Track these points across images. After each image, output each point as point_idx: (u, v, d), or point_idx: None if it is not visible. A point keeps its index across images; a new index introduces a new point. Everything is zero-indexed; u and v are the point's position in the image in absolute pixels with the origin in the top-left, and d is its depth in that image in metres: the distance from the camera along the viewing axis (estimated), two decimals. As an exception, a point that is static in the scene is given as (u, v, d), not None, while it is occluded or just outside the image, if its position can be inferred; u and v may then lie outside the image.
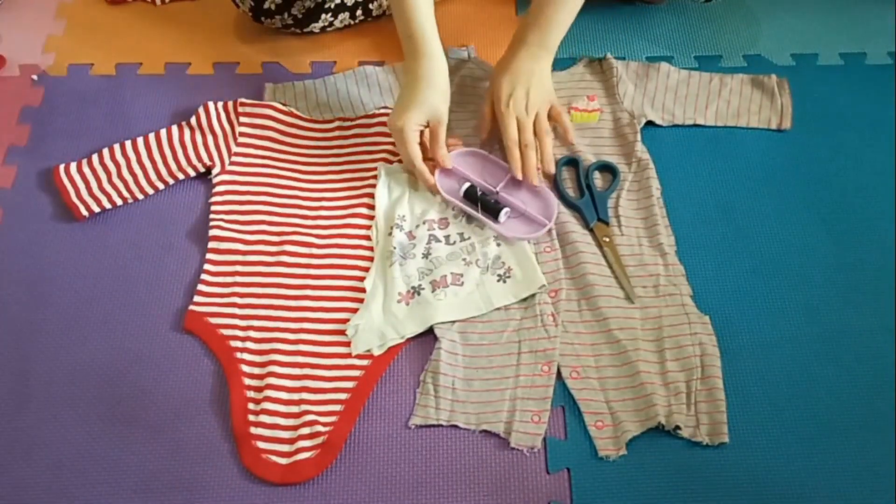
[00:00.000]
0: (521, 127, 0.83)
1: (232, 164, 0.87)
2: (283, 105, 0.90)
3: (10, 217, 0.86)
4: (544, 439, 0.72)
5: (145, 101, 0.94)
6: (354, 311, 0.78)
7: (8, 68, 0.98)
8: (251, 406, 0.73)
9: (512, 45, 0.87)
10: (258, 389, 0.74)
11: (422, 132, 0.82)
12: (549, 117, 0.86)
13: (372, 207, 0.84)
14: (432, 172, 0.83)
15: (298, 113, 0.91)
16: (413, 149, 0.80)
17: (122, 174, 0.85)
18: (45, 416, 0.74)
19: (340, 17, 0.96)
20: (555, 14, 0.83)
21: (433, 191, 0.83)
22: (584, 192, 0.85)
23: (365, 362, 0.75)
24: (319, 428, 0.71)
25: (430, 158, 0.83)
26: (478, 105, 0.90)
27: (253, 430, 0.71)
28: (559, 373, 0.74)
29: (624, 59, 0.96)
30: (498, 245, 0.81)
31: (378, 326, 0.77)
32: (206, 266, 0.81)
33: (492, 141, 0.89)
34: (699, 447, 0.71)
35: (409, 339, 0.77)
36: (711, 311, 0.77)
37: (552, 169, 0.85)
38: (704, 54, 0.98)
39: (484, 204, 0.82)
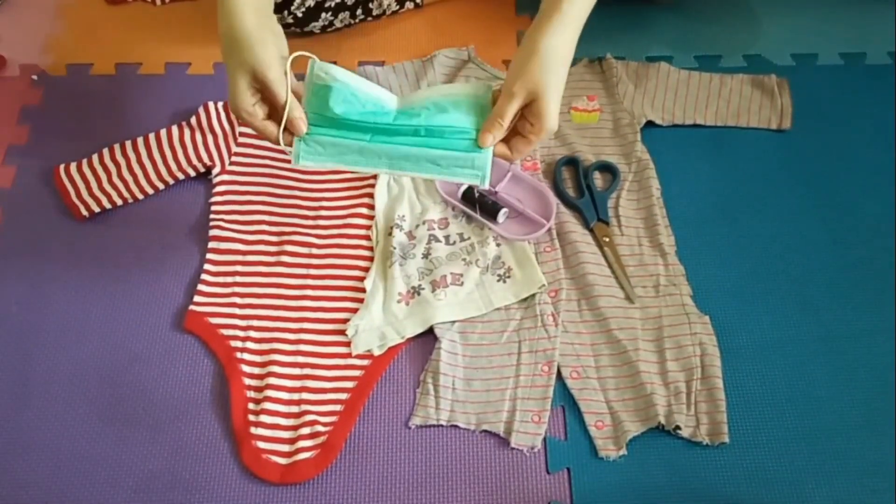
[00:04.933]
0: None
1: (232, 164, 0.87)
2: (283, 105, 0.90)
3: (10, 217, 0.86)
4: (544, 439, 0.72)
5: (145, 101, 0.94)
6: (354, 311, 0.78)
7: (8, 68, 0.98)
8: (251, 406, 0.73)
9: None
10: (258, 389, 0.74)
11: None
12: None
13: (372, 207, 0.84)
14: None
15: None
16: (261, 127, 0.64)
17: (122, 174, 0.85)
18: (45, 416, 0.74)
19: (341, 16, 0.96)
20: None
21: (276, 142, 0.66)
22: (584, 192, 0.85)
23: (365, 362, 0.75)
24: (319, 428, 0.71)
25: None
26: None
27: (253, 429, 0.71)
28: (559, 373, 0.74)
29: (624, 59, 0.96)
30: (498, 245, 0.81)
31: (378, 326, 0.77)
32: (206, 266, 0.81)
33: None
34: (699, 447, 0.71)
35: (409, 339, 0.77)
36: (711, 311, 0.77)
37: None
38: (704, 54, 0.98)
39: (482, 205, 0.82)
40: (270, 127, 0.65)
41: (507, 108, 0.62)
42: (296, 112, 0.64)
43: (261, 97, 0.64)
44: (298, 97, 0.65)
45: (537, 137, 0.64)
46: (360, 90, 0.64)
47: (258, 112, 0.64)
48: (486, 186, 0.65)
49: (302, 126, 0.64)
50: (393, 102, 0.65)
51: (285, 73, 0.63)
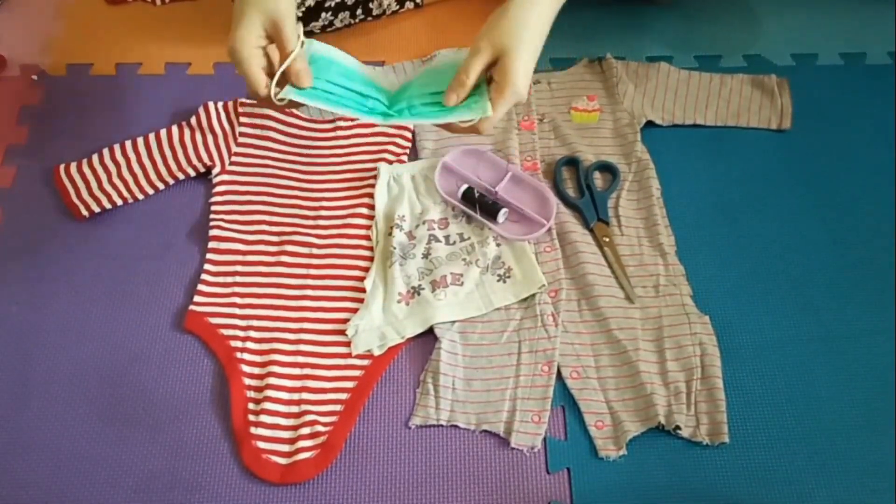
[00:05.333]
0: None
1: (232, 164, 0.87)
2: (284, 105, 0.90)
3: (10, 217, 0.86)
4: (544, 439, 0.72)
5: (145, 101, 0.94)
6: (354, 311, 0.78)
7: (8, 68, 0.98)
8: (251, 406, 0.73)
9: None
10: (258, 389, 0.74)
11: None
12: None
13: (372, 207, 0.84)
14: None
15: (299, 113, 0.91)
16: (253, 73, 0.63)
17: (122, 174, 0.85)
18: (45, 416, 0.74)
19: (341, 16, 0.96)
20: None
21: (283, 107, 0.67)
22: (584, 192, 0.85)
23: (365, 362, 0.75)
24: (319, 428, 0.71)
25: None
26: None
27: (253, 429, 0.71)
28: (559, 373, 0.74)
29: (624, 59, 0.96)
30: (498, 245, 0.81)
31: (378, 327, 0.77)
32: (206, 266, 0.81)
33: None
34: (699, 447, 0.71)
35: (409, 339, 0.77)
36: (711, 311, 0.77)
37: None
38: (704, 54, 0.98)
39: (482, 205, 0.82)
40: (260, 77, 0.63)
41: (472, 62, 0.61)
42: (301, 63, 0.63)
43: (264, 50, 0.64)
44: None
45: (501, 97, 0.62)
46: (356, 70, 0.67)
47: (258, 56, 0.63)
48: (487, 113, 0.63)
49: (306, 80, 0.64)
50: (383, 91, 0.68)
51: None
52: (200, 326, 0.78)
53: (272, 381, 0.74)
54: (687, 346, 0.75)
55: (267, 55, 0.64)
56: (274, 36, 0.63)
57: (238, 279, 0.80)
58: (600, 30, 1.00)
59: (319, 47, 0.68)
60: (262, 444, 0.71)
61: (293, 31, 0.63)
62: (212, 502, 0.69)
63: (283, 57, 0.63)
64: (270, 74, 0.64)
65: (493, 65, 0.63)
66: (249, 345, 0.76)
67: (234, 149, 0.88)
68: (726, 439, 0.70)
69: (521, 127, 0.90)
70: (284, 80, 0.65)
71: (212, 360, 0.77)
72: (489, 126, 0.64)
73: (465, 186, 0.83)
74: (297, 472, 0.70)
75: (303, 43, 0.64)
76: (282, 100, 0.64)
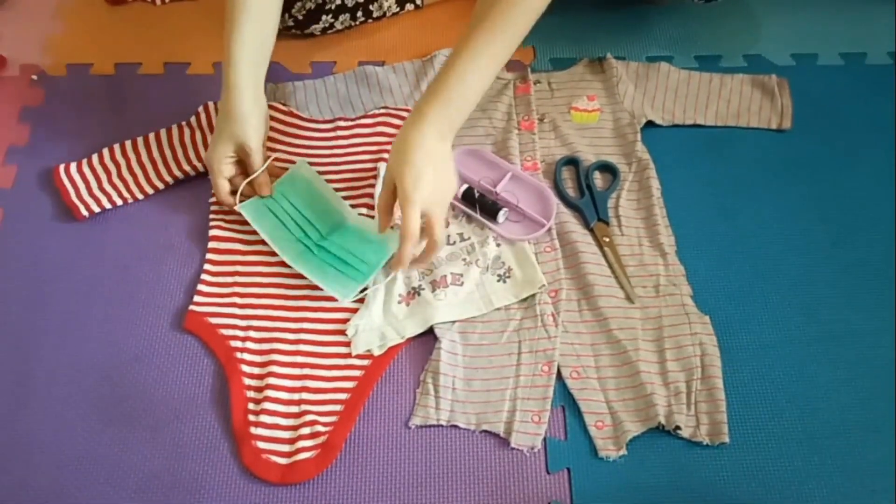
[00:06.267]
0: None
1: (232, 164, 0.87)
2: (283, 105, 0.91)
3: (10, 217, 0.86)
4: (544, 439, 0.72)
5: (145, 101, 0.94)
6: (354, 311, 0.78)
7: (8, 68, 0.98)
8: (251, 406, 0.73)
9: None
10: (258, 389, 0.74)
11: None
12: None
13: (372, 207, 0.84)
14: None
15: (298, 113, 0.91)
16: (217, 181, 0.79)
17: (122, 174, 0.85)
18: (45, 416, 0.74)
19: (341, 18, 0.97)
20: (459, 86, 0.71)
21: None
22: (584, 192, 0.85)
23: (365, 362, 0.75)
24: (319, 428, 0.71)
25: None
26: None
27: (253, 429, 0.71)
28: (559, 373, 0.74)
29: (624, 59, 0.96)
30: (498, 245, 0.81)
31: (378, 327, 0.77)
32: (206, 266, 0.81)
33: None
34: (699, 447, 0.71)
35: (409, 339, 0.77)
36: (711, 311, 0.77)
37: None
38: (704, 54, 0.98)
39: (482, 205, 0.82)
40: (224, 185, 0.80)
41: (380, 191, 0.73)
42: (264, 178, 0.81)
43: (236, 163, 0.80)
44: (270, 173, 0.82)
45: (402, 209, 0.69)
46: (324, 196, 0.81)
47: (224, 169, 0.79)
48: (349, 299, 0.76)
49: (265, 190, 0.81)
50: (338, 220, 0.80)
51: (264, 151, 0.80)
52: (200, 326, 0.78)
53: (272, 381, 0.74)
54: (687, 346, 0.75)
55: (242, 169, 0.81)
56: (243, 157, 0.80)
57: (238, 279, 0.80)
58: (600, 30, 1.00)
59: (305, 171, 0.83)
60: (262, 444, 0.71)
61: (259, 156, 0.79)
62: (212, 502, 0.69)
63: (250, 172, 0.80)
64: (237, 179, 0.81)
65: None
66: (249, 345, 0.76)
67: (234, 149, 0.88)
68: (726, 439, 0.70)
69: (521, 127, 0.90)
70: (251, 188, 0.81)
71: (212, 360, 0.77)
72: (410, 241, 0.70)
73: (465, 186, 0.83)
74: (297, 472, 0.70)
75: (269, 161, 0.81)
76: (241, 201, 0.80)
